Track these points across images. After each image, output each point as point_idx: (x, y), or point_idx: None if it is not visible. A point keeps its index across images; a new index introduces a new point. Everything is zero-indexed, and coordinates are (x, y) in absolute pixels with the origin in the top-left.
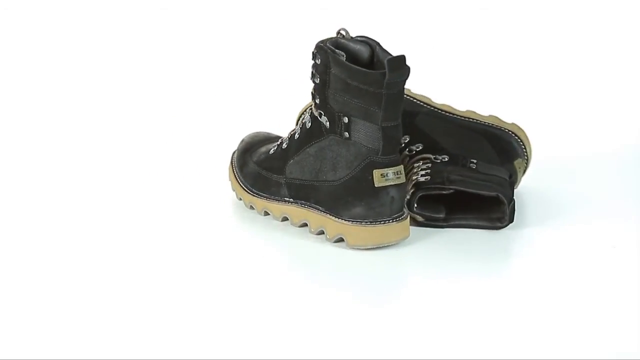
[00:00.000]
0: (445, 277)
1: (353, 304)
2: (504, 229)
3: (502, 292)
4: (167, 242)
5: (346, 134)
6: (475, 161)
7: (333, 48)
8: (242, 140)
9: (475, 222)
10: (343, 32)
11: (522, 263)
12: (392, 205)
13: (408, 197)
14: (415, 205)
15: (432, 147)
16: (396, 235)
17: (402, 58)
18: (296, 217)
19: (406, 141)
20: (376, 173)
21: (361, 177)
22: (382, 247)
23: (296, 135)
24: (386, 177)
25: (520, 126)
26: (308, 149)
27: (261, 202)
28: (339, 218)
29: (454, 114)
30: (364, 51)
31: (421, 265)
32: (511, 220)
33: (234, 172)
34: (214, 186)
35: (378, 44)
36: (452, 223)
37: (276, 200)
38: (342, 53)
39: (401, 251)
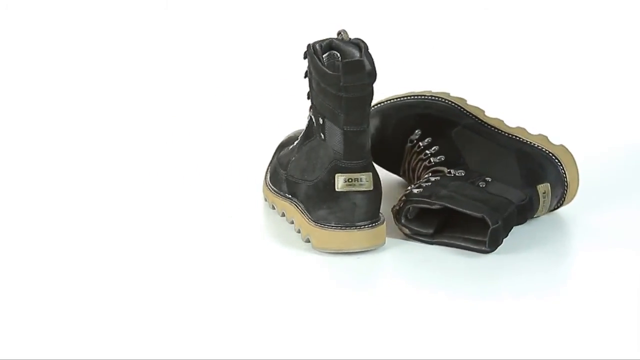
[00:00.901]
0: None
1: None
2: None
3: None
4: (176, 243)
5: (322, 135)
6: (489, 179)
7: (316, 48)
8: (286, 136)
9: (461, 243)
10: (342, 33)
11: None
12: (355, 212)
13: (397, 207)
14: (403, 218)
15: (454, 161)
16: (360, 243)
17: (357, 62)
18: (289, 213)
19: (417, 137)
20: (337, 177)
21: (327, 180)
22: (356, 253)
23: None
24: (347, 182)
25: (569, 150)
26: (303, 148)
27: (271, 196)
28: (308, 219)
29: (498, 130)
30: (354, 53)
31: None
32: (492, 244)
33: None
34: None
35: (366, 46)
36: (438, 240)
37: (281, 195)
38: (337, 53)
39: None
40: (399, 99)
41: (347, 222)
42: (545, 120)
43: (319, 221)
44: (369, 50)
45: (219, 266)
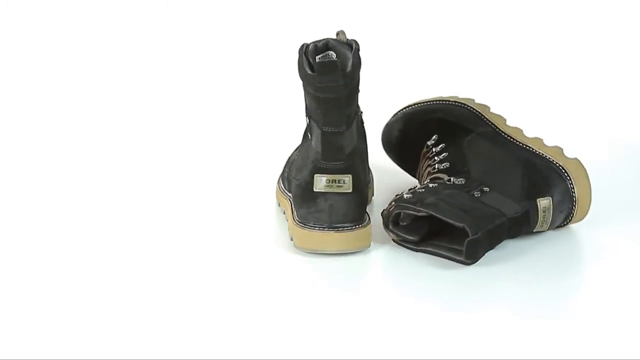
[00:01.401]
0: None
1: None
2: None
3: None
4: (179, 243)
5: (310, 135)
6: (487, 190)
7: (309, 48)
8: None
9: (444, 253)
10: (340, 34)
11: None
12: (332, 213)
13: (386, 212)
14: (391, 223)
15: (458, 169)
16: (336, 245)
17: (331, 63)
18: (287, 211)
19: (433, 142)
20: (316, 177)
21: (309, 180)
22: (349, 255)
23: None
24: (326, 183)
25: (582, 164)
26: (302, 147)
27: (279, 195)
28: (293, 217)
29: (513, 140)
30: (347, 54)
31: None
32: (469, 255)
33: None
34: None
35: (357, 47)
36: (422, 248)
37: (285, 194)
38: (333, 53)
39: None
40: (424, 103)
41: (324, 223)
42: (555, 128)
43: (300, 220)
44: (359, 52)
45: (218, 266)
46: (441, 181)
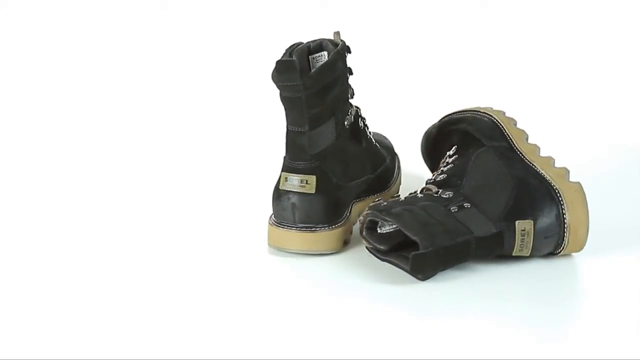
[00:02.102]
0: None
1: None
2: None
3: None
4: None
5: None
6: (467, 206)
7: (300, 48)
8: None
9: (403, 265)
10: (335, 35)
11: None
12: (294, 212)
13: (362, 218)
14: (365, 230)
15: (452, 182)
16: (295, 244)
17: (287, 62)
18: None
19: (451, 152)
20: (282, 175)
21: (278, 178)
22: (310, 255)
23: None
24: (287, 181)
25: (581, 190)
26: None
27: None
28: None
29: (523, 157)
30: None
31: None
32: (415, 269)
33: None
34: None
35: (337, 48)
36: (387, 258)
37: None
38: (325, 53)
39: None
40: (458, 113)
41: (286, 221)
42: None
43: (272, 217)
44: (340, 56)
45: (218, 266)
46: (429, 192)
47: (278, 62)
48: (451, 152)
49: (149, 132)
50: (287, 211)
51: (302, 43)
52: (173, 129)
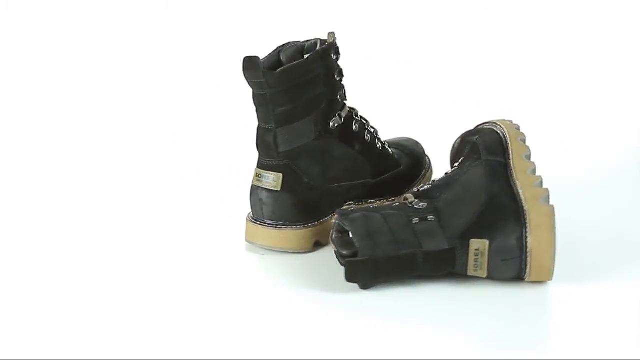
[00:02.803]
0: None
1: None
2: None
3: None
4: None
5: None
6: (432, 218)
7: (284, 47)
8: None
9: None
10: (328, 36)
11: None
12: (262, 208)
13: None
14: (334, 233)
15: (432, 194)
16: (263, 240)
17: (252, 59)
18: None
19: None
20: (255, 171)
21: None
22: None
23: None
24: (257, 177)
25: (552, 215)
26: None
27: None
28: None
29: (510, 174)
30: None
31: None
32: (349, 276)
33: None
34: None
35: (317, 49)
36: (344, 264)
37: None
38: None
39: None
40: (480, 125)
41: (256, 216)
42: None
43: (249, 212)
44: (320, 54)
45: (218, 265)
46: (405, 201)
47: (243, 59)
48: (457, 164)
49: (149, 133)
50: (256, 206)
51: (297, 42)
52: (173, 129)
